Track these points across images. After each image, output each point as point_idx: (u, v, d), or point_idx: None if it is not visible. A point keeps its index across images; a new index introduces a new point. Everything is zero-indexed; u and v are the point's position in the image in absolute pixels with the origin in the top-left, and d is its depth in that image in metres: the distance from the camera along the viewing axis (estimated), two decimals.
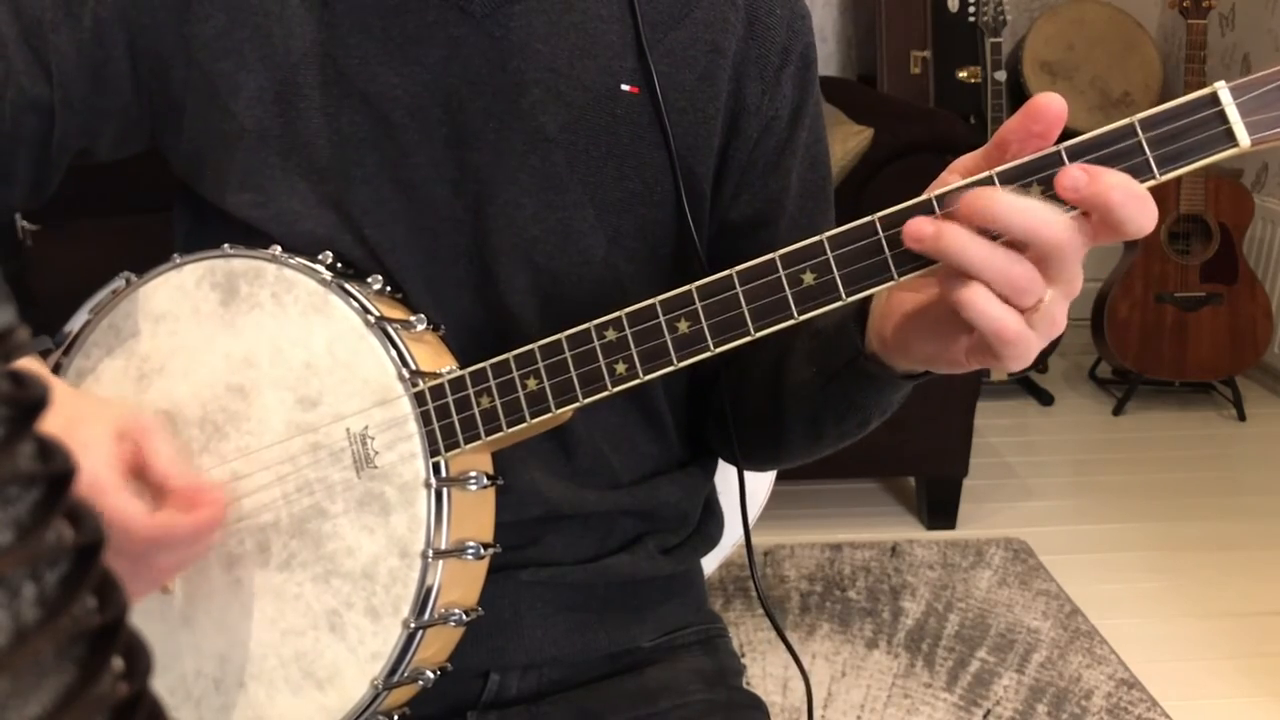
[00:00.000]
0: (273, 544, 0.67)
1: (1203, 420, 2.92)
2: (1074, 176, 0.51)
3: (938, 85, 3.09)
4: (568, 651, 0.78)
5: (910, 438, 2.24)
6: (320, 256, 0.68)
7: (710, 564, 0.94)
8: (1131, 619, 2.05)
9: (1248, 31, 3.25)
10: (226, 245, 0.69)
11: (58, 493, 0.22)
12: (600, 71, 0.73)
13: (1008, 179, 0.53)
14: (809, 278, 0.57)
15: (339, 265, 0.69)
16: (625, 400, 0.72)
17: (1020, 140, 0.53)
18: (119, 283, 0.72)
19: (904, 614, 2.08)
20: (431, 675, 0.67)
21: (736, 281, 0.59)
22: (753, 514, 0.88)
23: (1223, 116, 0.51)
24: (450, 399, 0.65)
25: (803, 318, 0.58)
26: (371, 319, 0.65)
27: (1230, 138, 0.51)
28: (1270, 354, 2.98)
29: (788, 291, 0.58)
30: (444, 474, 0.65)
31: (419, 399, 0.65)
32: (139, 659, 0.23)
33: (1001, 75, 2.84)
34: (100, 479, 0.58)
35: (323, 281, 0.67)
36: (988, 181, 0.53)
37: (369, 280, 0.69)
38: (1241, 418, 2.88)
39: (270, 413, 0.67)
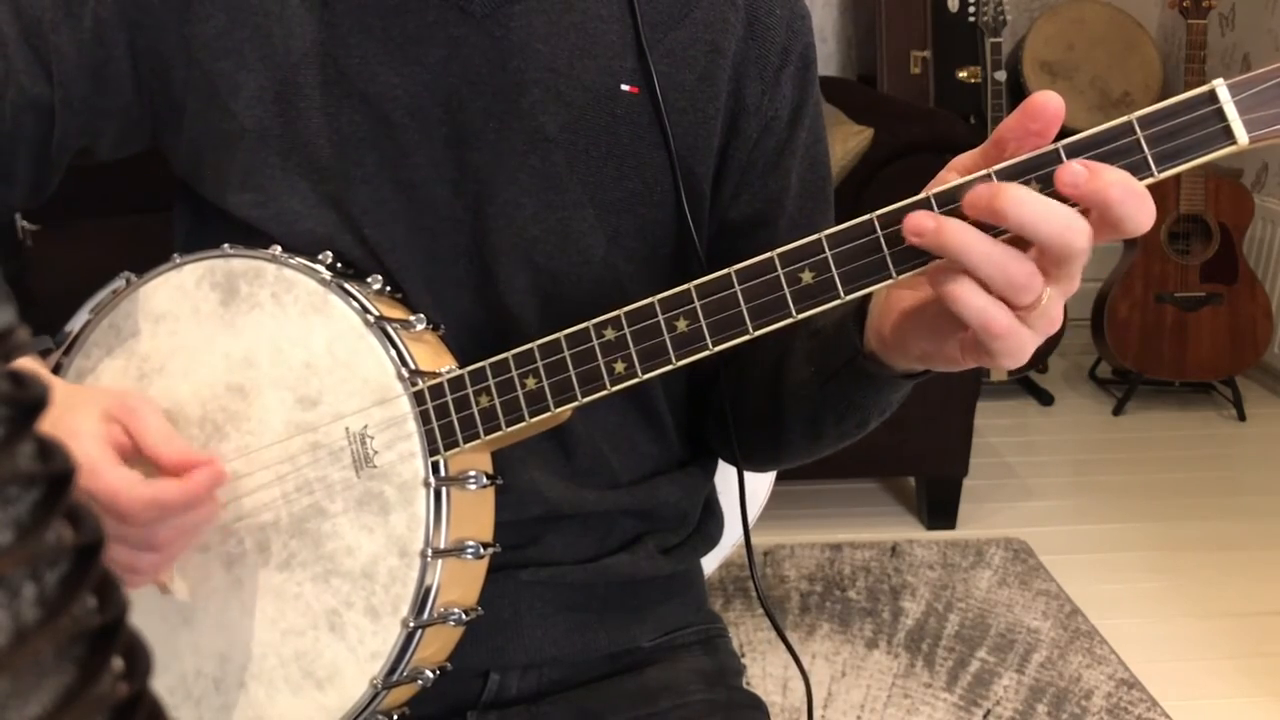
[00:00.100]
0: (272, 543, 0.67)
1: (1203, 420, 2.92)
2: (1074, 172, 0.51)
3: (938, 85, 3.09)
4: (568, 651, 0.79)
5: (910, 438, 2.24)
6: (320, 256, 0.69)
7: (710, 564, 0.94)
8: (1131, 619, 2.05)
9: (1248, 31, 3.25)
10: (226, 245, 0.69)
11: (58, 493, 0.22)
12: (600, 71, 0.73)
13: (1006, 177, 0.53)
14: (807, 276, 0.57)
15: (339, 265, 0.69)
16: (625, 400, 0.72)
17: (1018, 139, 0.53)
18: (119, 283, 0.72)
19: (904, 614, 2.08)
20: (431, 675, 0.67)
21: (735, 280, 0.59)
22: (753, 514, 0.88)
23: (1221, 114, 0.51)
24: (449, 398, 0.65)
25: (801, 316, 0.58)
26: (371, 319, 0.65)
27: (1228, 135, 0.51)
28: (1270, 354, 2.98)
29: (786, 290, 0.58)
30: (443, 473, 0.65)
31: (418, 398, 0.65)
32: (139, 659, 0.23)
33: (1001, 75, 2.84)
34: (91, 458, 0.59)
35: (322, 281, 0.67)
36: (986, 180, 0.53)
37: (369, 280, 0.69)
38: (1241, 418, 2.88)
39: (270, 412, 0.67)
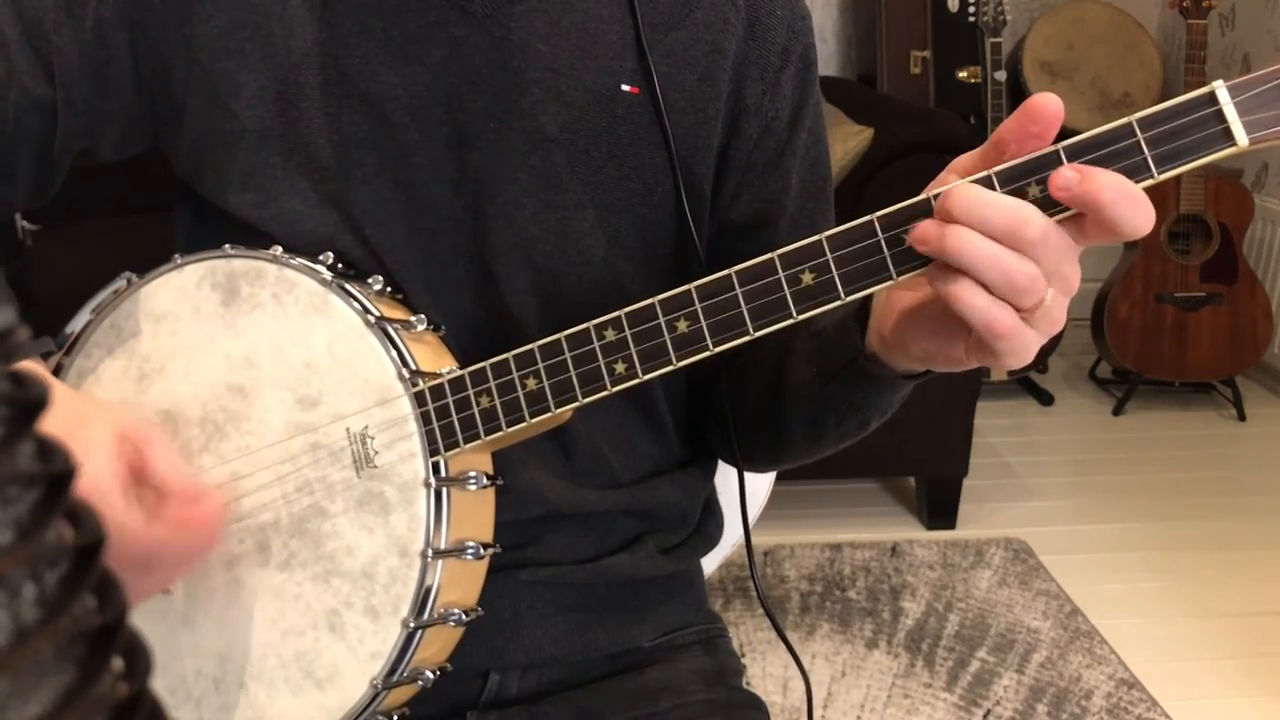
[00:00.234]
0: (273, 544, 0.67)
1: (1203, 420, 2.92)
2: (1065, 177, 0.51)
3: (938, 85, 3.09)
4: (567, 651, 0.79)
5: (910, 438, 2.24)
6: (321, 257, 0.69)
7: (710, 564, 0.94)
8: (1131, 619, 2.05)
9: (1248, 31, 3.25)
10: (227, 245, 0.69)
11: (58, 493, 0.22)
12: (600, 72, 0.73)
13: (1006, 179, 0.53)
14: (808, 277, 0.58)
15: (339, 265, 0.69)
16: (625, 400, 0.72)
17: (1018, 140, 0.53)
18: (120, 283, 0.72)
19: (904, 614, 2.08)
20: (431, 675, 0.67)
21: (736, 281, 0.59)
22: (753, 514, 0.88)
23: (1221, 116, 0.51)
24: (450, 399, 0.65)
25: (802, 317, 0.58)
26: (372, 319, 0.65)
27: (1228, 137, 0.51)
28: (1270, 354, 2.98)
29: (787, 291, 0.58)
30: (443, 474, 0.65)
31: (419, 399, 0.65)
32: (139, 659, 0.23)
33: (1001, 75, 2.84)
34: (100, 486, 0.58)
35: (323, 282, 0.67)
36: (986, 181, 0.54)
37: (369, 280, 0.69)
38: (1241, 418, 2.88)
39: (270, 412, 0.67)
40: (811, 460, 0.79)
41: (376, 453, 0.65)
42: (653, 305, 0.61)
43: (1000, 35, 2.83)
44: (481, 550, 0.66)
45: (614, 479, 0.79)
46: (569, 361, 0.63)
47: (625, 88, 0.73)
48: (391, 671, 0.64)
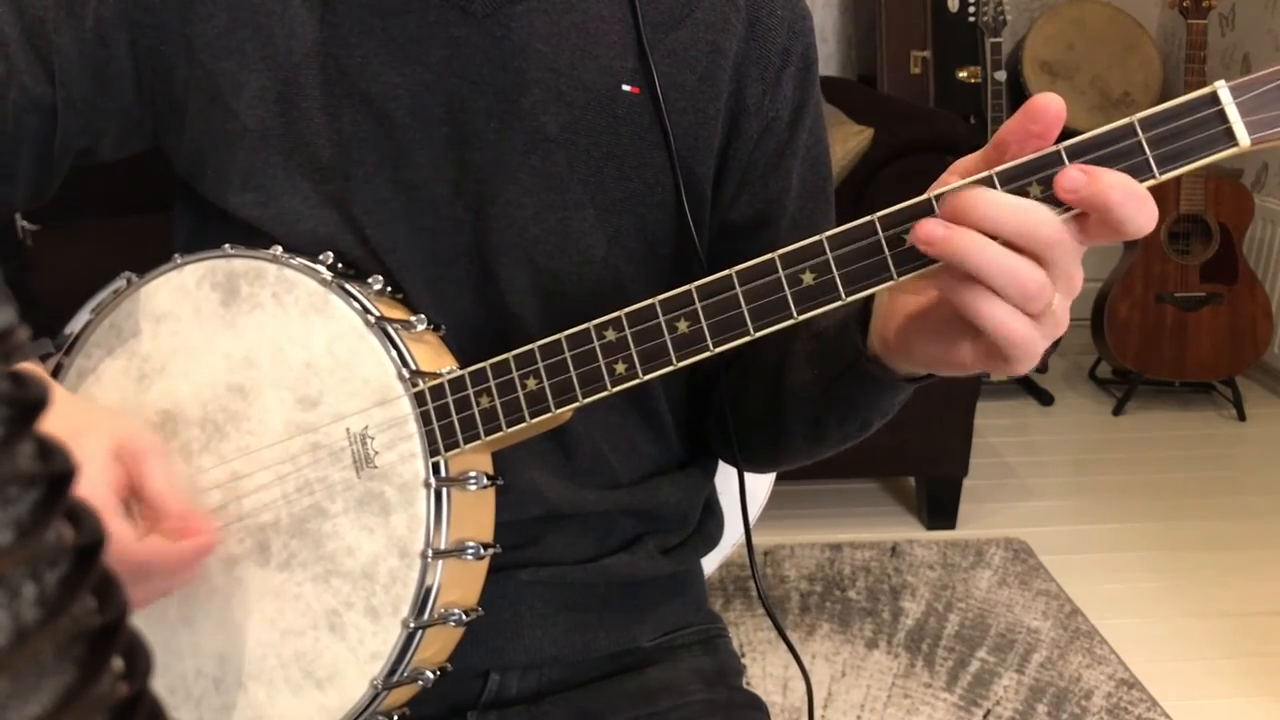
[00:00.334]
0: (273, 544, 0.67)
1: (1203, 420, 2.92)
2: (1073, 178, 0.51)
3: (938, 85, 3.09)
4: (568, 651, 0.79)
5: (910, 438, 2.24)
6: (321, 257, 0.69)
7: (710, 564, 0.94)
8: (1131, 619, 2.05)
9: (1248, 31, 3.25)
10: (227, 245, 0.69)
11: (58, 493, 0.22)
12: (601, 72, 0.73)
13: (1007, 179, 0.53)
14: (808, 278, 0.57)
15: (339, 265, 0.69)
16: (625, 401, 0.72)
17: (1019, 140, 0.53)
18: (120, 283, 0.72)
19: (904, 614, 2.08)
20: (431, 675, 0.67)
21: (736, 281, 0.59)
22: (753, 514, 0.88)
23: (1222, 116, 0.51)
24: (450, 399, 0.65)
25: (802, 318, 0.58)
26: (372, 319, 0.65)
27: (1230, 137, 0.51)
28: (1270, 354, 2.98)
29: (787, 291, 0.58)
30: (444, 474, 0.65)
31: (419, 399, 0.65)
32: (139, 659, 0.23)
33: (1001, 75, 2.84)
34: (93, 498, 0.58)
35: (323, 281, 0.67)
36: (987, 182, 0.53)
37: (369, 280, 0.69)
38: (1241, 418, 2.88)
39: (270, 412, 0.67)
40: (812, 461, 0.79)
41: (376, 453, 0.65)
42: (653, 305, 0.61)
43: (1000, 35, 2.83)
44: (481, 550, 0.66)
45: (614, 479, 0.79)
46: (569, 361, 0.63)
47: (626, 88, 0.73)
48: (391, 672, 0.64)
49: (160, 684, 0.68)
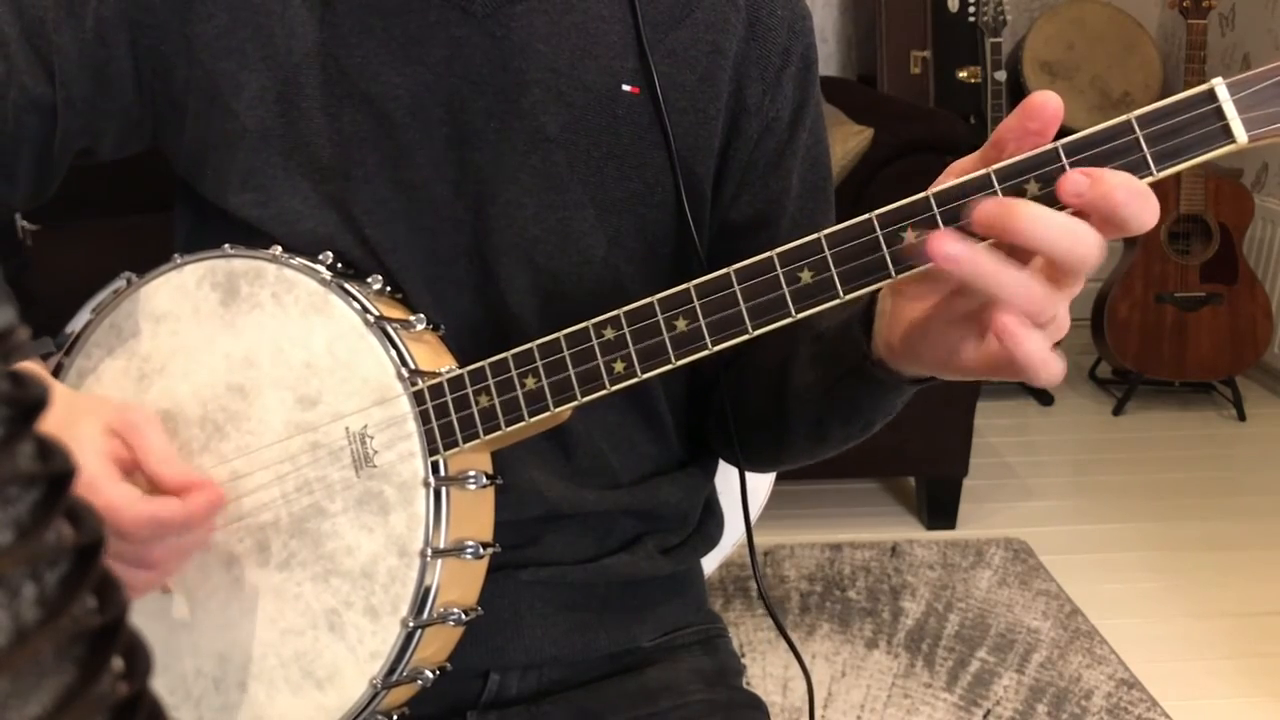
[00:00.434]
0: (272, 543, 0.67)
1: (1203, 420, 2.92)
2: (1076, 181, 0.50)
3: (938, 85, 3.09)
4: (567, 651, 0.79)
5: (910, 438, 2.24)
6: (320, 256, 0.69)
7: (710, 564, 0.94)
8: (1131, 619, 2.05)
9: (1248, 31, 3.25)
10: (227, 245, 0.69)
11: (58, 493, 0.22)
12: (601, 72, 0.73)
13: (1004, 177, 0.53)
14: (806, 276, 0.57)
15: (339, 265, 0.69)
16: (624, 400, 0.72)
17: (1017, 139, 0.53)
18: (120, 283, 0.72)
19: (904, 614, 2.08)
20: (431, 675, 0.67)
21: (734, 280, 0.59)
22: (753, 514, 0.88)
23: (1220, 113, 0.51)
24: (449, 398, 0.65)
25: (800, 316, 0.58)
26: (371, 319, 0.65)
27: (1228, 134, 0.51)
28: (1270, 354, 2.98)
29: (785, 290, 0.58)
30: (443, 473, 0.65)
31: (418, 398, 0.65)
32: (139, 659, 0.23)
33: (1001, 75, 2.84)
34: (91, 471, 0.59)
35: (323, 281, 0.67)
36: (985, 180, 0.53)
37: (369, 280, 0.69)
38: (1241, 418, 2.88)
39: (270, 412, 0.67)
40: (814, 461, 0.79)
41: (376, 452, 0.65)
42: (651, 304, 0.61)
43: (1000, 35, 2.83)
44: (481, 550, 0.66)
45: (614, 479, 0.79)
46: (568, 360, 0.63)
47: (626, 88, 0.73)
48: (391, 671, 0.64)
49: (160, 684, 0.68)
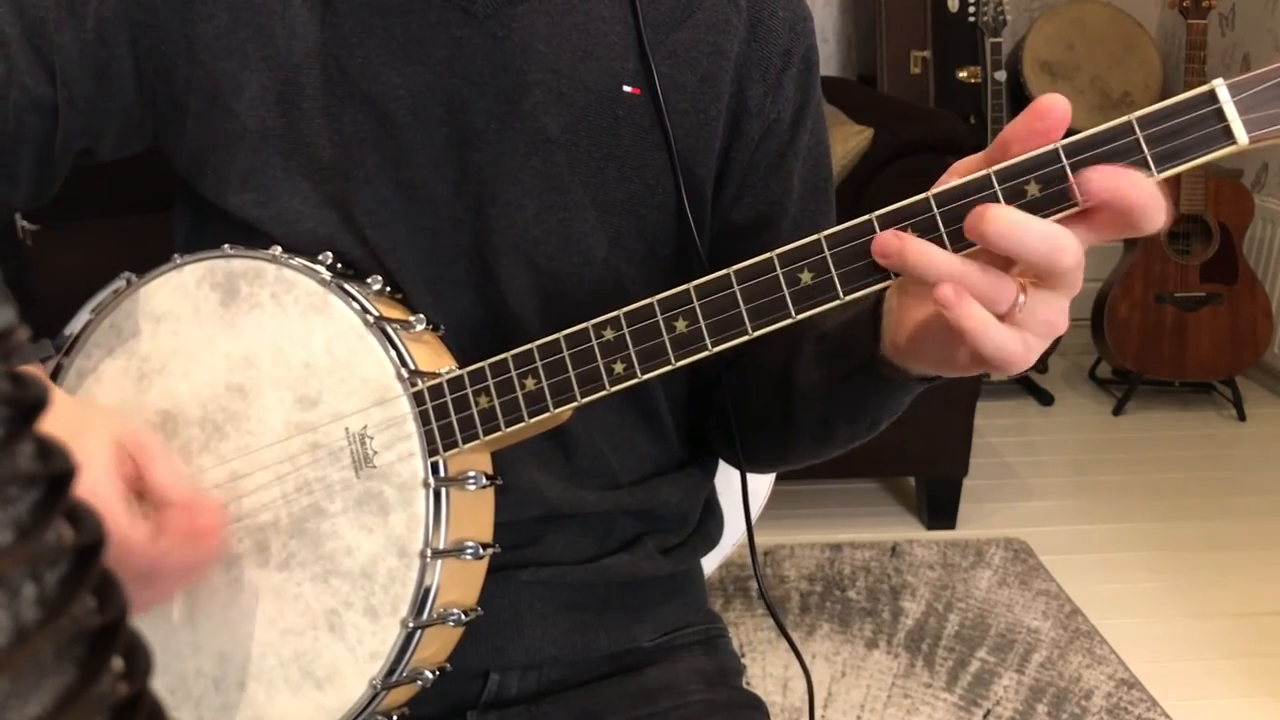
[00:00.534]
0: (272, 543, 0.67)
1: (1203, 420, 2.92)
2: (1103, 175, 0.51)
3: (938, 85, 3.09)
4: (567, 651, 0.79)
5: (910, 438, 2.24)
6: (320, 257, 0.69)
7: (710, 564, 0.94)
8: (1131, 619, 2.05)
9: (1248, 31, 3.25)
10: (227, 245, 0.69)
11: (58, 493, 0.22)
12: (602, 73, 0.73)
13: (1005, 177, 0.53)
14: (806, 277, 0.58)
15: (339, 265, 0.69)
16: (624, 401, 0.72)
17: (1024, 140, 0.53)
18: (120, 283, 0.72)
19: (904, 614, 2.08)
20: (430, 675, 0.67)
21: (734, 280, 0.59)
22: (753, 514, 0.88)
23: (1221, 114, 0.51)
24: (449, 399, 0.65)
25: (800, 317, 0.58)
26: (371, 319, 0.65)
27: (1228, 135, 0.51)
28: (1270, 354, 2.98)
29: (785, 290, 0.58)
30: (442, 474, 0.65)
31: (417, 399, 0.65)
32: (139, 659, 0.23)
33: (1001, 75, 2.84)
34: (100, 498, 0.58)
35: (322, 282, 0.67)
36: (985, 181, 0.53)
37: (369, 280, 0.69)
38: (1241, 418, 2.88)
39: (270, 412, 0.67)
40: (818, 460, 0.79)
41: (375, 453, 0.65)
42: (651, 305, 0.61)
43: (1000, 35, 2.83)
44: (481, 550, 0.66)
45: (614, 479, 0.79)
46: (567, 361, 0.63)
47: (627, 89, 0.73)
48: (391, 671, 0.64)
49: (160, 684, 0.68)
